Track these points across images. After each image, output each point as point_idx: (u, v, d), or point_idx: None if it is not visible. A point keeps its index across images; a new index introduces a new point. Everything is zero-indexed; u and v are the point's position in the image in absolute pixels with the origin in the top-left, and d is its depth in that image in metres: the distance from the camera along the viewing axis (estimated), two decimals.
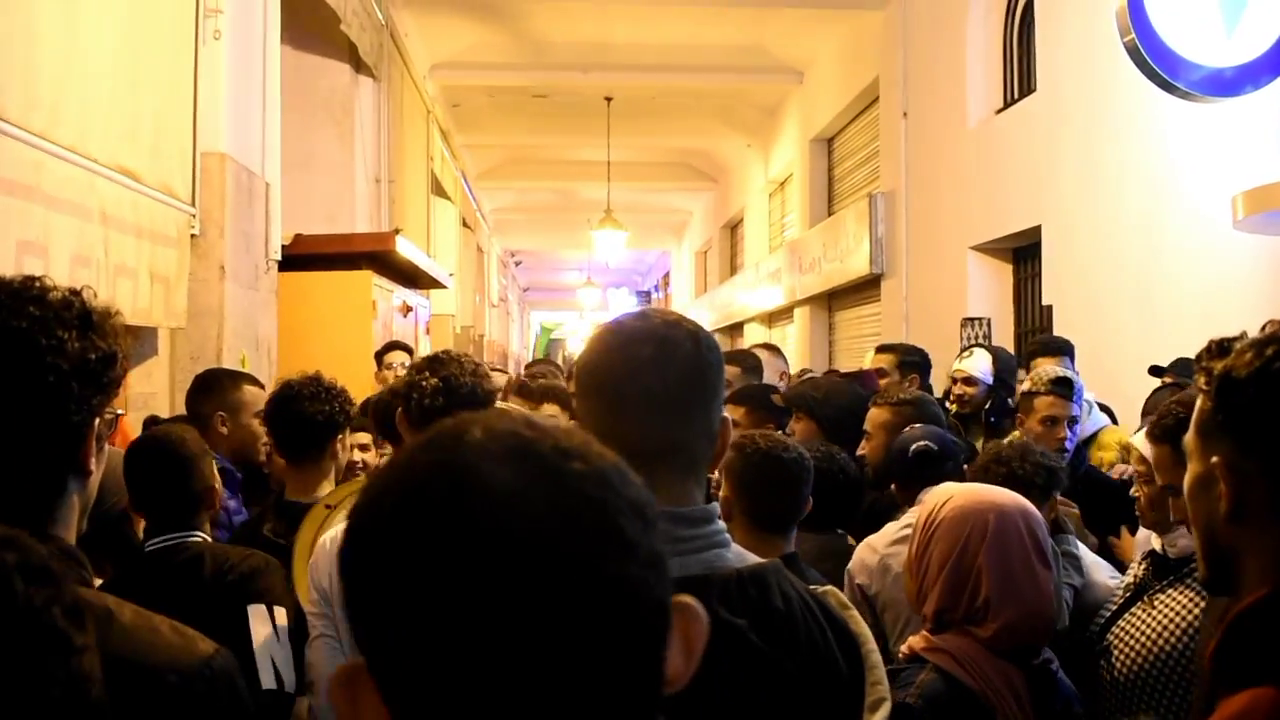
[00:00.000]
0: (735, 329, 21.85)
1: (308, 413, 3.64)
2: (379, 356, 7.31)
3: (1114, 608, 3.03)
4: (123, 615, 1.45)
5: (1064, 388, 4.72)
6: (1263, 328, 1.56)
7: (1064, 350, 6.06)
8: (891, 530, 3.49)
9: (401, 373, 5.55)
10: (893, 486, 3.80)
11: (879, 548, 3.45)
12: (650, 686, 0.86)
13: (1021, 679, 2.39)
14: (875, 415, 4.22)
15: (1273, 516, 1.50)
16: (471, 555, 0.78)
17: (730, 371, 5.98)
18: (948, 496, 2.59)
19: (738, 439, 3.10)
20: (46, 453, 1.54)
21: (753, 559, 1.67)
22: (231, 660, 1.53)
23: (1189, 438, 1.61)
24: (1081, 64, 8.26)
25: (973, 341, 9.20)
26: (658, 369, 1.63)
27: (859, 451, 4.22)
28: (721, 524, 1.68)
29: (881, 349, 6.64)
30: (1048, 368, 5.22)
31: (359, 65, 10.49)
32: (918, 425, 3.87)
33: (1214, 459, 1.53)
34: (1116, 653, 2.85)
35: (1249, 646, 1.47)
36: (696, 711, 1.45)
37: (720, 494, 3.07)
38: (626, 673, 0.83)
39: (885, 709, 1.66)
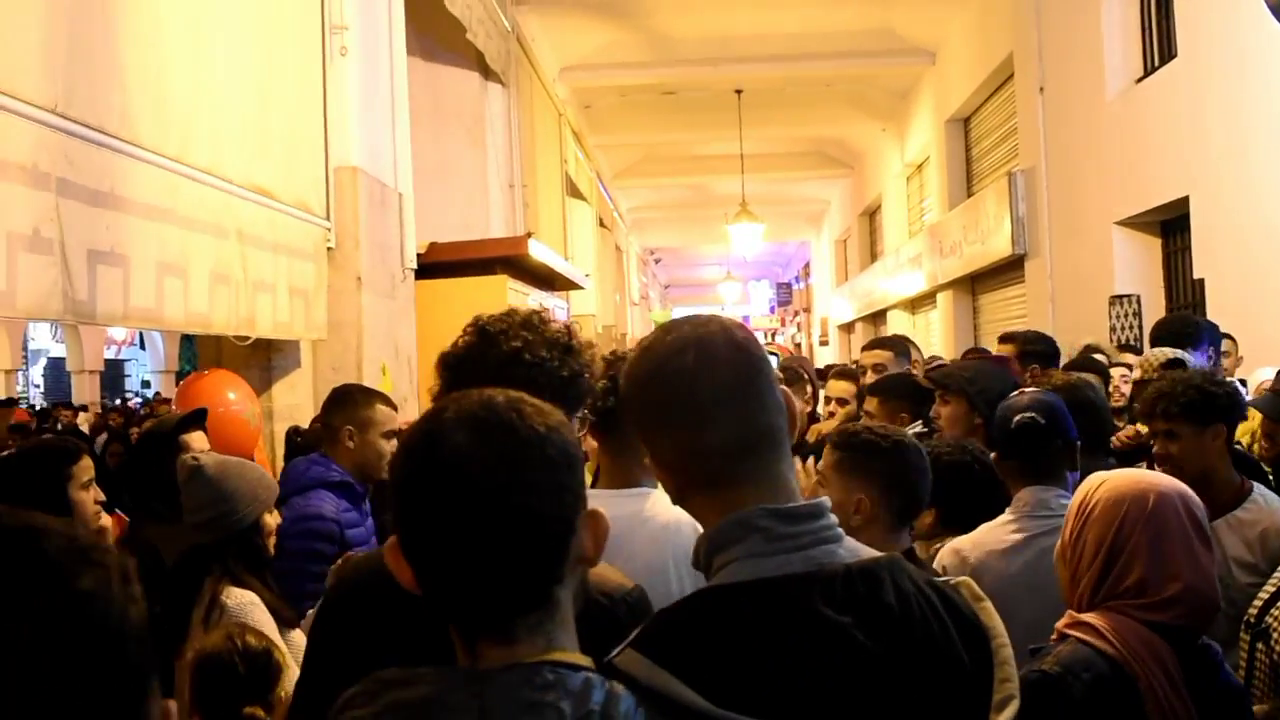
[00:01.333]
0: (878, 316, 21.59)
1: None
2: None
3: (1273, 589, 2.90)
4: None
5: (1178, 369, 4.52)
6: None
7: (1187, 336, 5.52)
8: (984, 532, 3.30)
9: None
10: (992, 456, 3.57)
11: (966, 551, 3.26)
12: (553, 563, 1.40)
13: (1174, 658, 2.28)
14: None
15: None
16: (429, 486, 1.38)
17: (883, 356, 5.92)
18: (1101, 480, 2.48)
19: (856, 435, 3.02)
20: None
21: (868, 553, 1.62)
22: None
23: None
24: (1224, 25, 7.94)
25: (1122, 319, 8.92)
26: (707, 371, 1.61)
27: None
28: (833, 518, 1.62)
29: (1003, 338, 6.38)
30: (1159, 350, 5.00)
31: (487, 73, 10.62)
32: (1029, 390, 3.67)
33: None
34: (1277, 634, 2.73)
35: None
36: (805, 711, 1.43)
37: (842, 497, 2.94)
38: (537, 553, 1.38)
39: (1013, 708, 1.57)
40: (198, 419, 4.54)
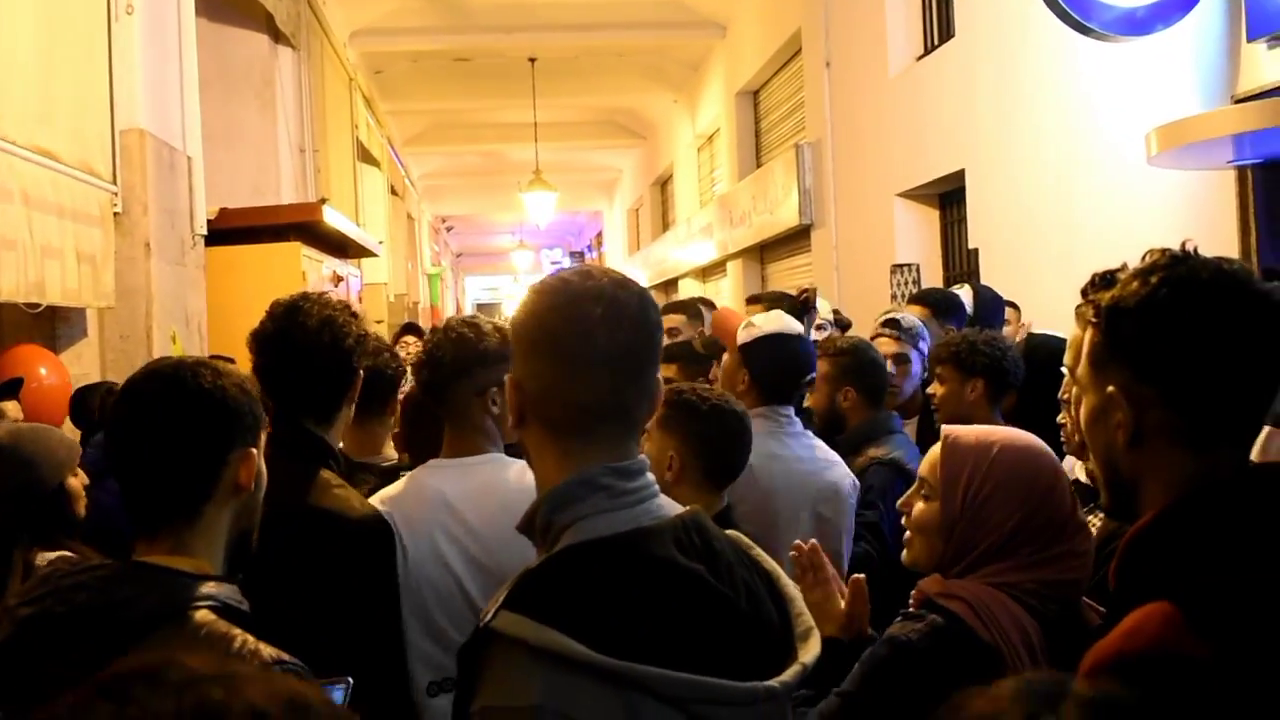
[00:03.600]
0: (669, 285, 21.89)
1: (374, 367, 3.42)
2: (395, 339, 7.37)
3: None
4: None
5: (893, 327, 4.83)
6: (1143, 257, 1.63)
7: (939, 304, 5.63)
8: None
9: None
10: None
11: None
12: (200, 482, 1.87)
13: (1036, 629, 2.24)
14: (818, 367, 4.21)
15: (1170, 440, 1.57)
16: (117, 414, 1.94)
17: (675, 319, 5.95)
18: (987, 447, 2.37)
19: (679, 394, 3.13)
20: None
21: (677, 508, 1.71)
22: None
23: (1082, 370, 1.67)
24: (998, 8, 8.35)
25: (902, 288, 9.31)
26: (608, 329, 1.62)
27: (805, 403, 4.23)
28: (652, 476, 1.70)
29: (750, 299, 6.42)
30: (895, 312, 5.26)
31: (277, 35, 10.37)
32: (772, 320, 3.88)
33: (1110, 389, 1.59)
34: None
35: (1144, 564, 1.54)
36: (679, 654, 1.49)
37: (658, 451, 3.05)
38: (185, 471, 1.86)
39: (816, 638, 1.70)
40: (11, 389, 4.48)
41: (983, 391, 4.03)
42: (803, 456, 3.62)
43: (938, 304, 5.58)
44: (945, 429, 2.48)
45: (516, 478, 2.76)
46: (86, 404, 5.09)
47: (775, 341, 3.71)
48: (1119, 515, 1.74)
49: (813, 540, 2.65)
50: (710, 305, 6.68)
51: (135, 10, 6.16)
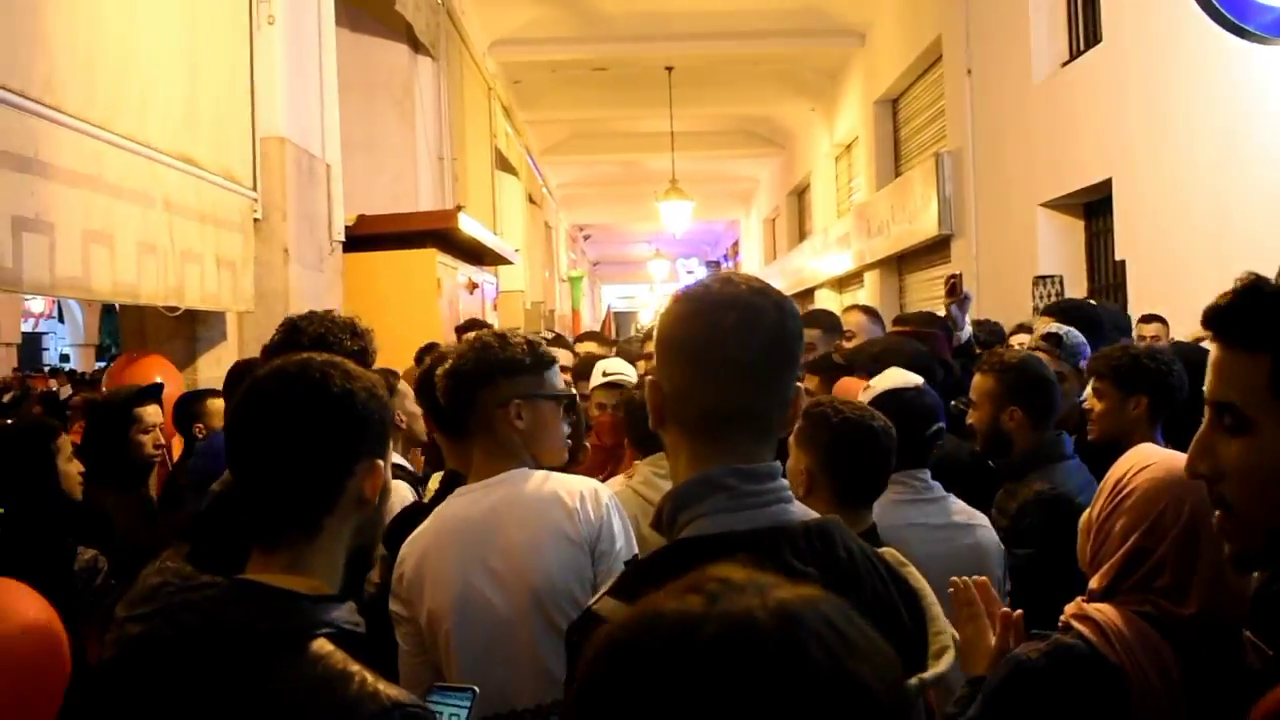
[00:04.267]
0: (805, 295, 21.70)
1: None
2: (459, 334, 7.21)
3: None
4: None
5: (1053, 343, 4.56)
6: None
7: (1083, 321, 5.18)
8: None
9: None
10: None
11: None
12: (323, 492, 1.76)
13: (1176, 661, 2.13)
14: (980, 383, 3.96)
15: None
16: (236, 416, 1.83)
17: (810, 334, 5.65)
18: (1144, 464, 2.30)
19: (816, 406, 3.05)
20: None
21: (814, 515, 1.72)
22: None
23: (1245, 400, 1.55)
24: (1148, 12, 8.07)
25: (1044, 300, 9.04)
26: (741, 337, 1.65)
27: (968, 421, 4.02)
28: (785, 481, 1.72)
29: (897, 320, 6.15)
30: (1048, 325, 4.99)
31: (416, 45, 10.52)
32: (889, 378, 3.61)
33: None
34: None
35: None
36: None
37: (794, 465, 2.98)
38: (308, 479, 1.75)
39: (950, 656, 1.64)
40: (153, 394, 4.68)
41: (1145, 409, 3.77)
42: (942, 524, 3.35)
43: (1064, 317, 5.31)
44: (1139, 445, 2.42)
45: (535, 488, 2.75)
46: (190, 410, 5.17)
47: (893, 400, 3.42)
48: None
49: (980, 577, 2.53)
50: (873, 313, 6.33)
51: (277, 20, 6.27)
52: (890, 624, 1.59)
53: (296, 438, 1.73)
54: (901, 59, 14.28)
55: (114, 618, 1.67)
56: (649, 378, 1.78)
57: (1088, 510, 2.41)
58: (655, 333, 1.79)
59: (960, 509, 3.43)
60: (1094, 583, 2.30)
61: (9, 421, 5.15)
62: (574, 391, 3.06)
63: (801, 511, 1.71)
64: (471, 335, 3.06)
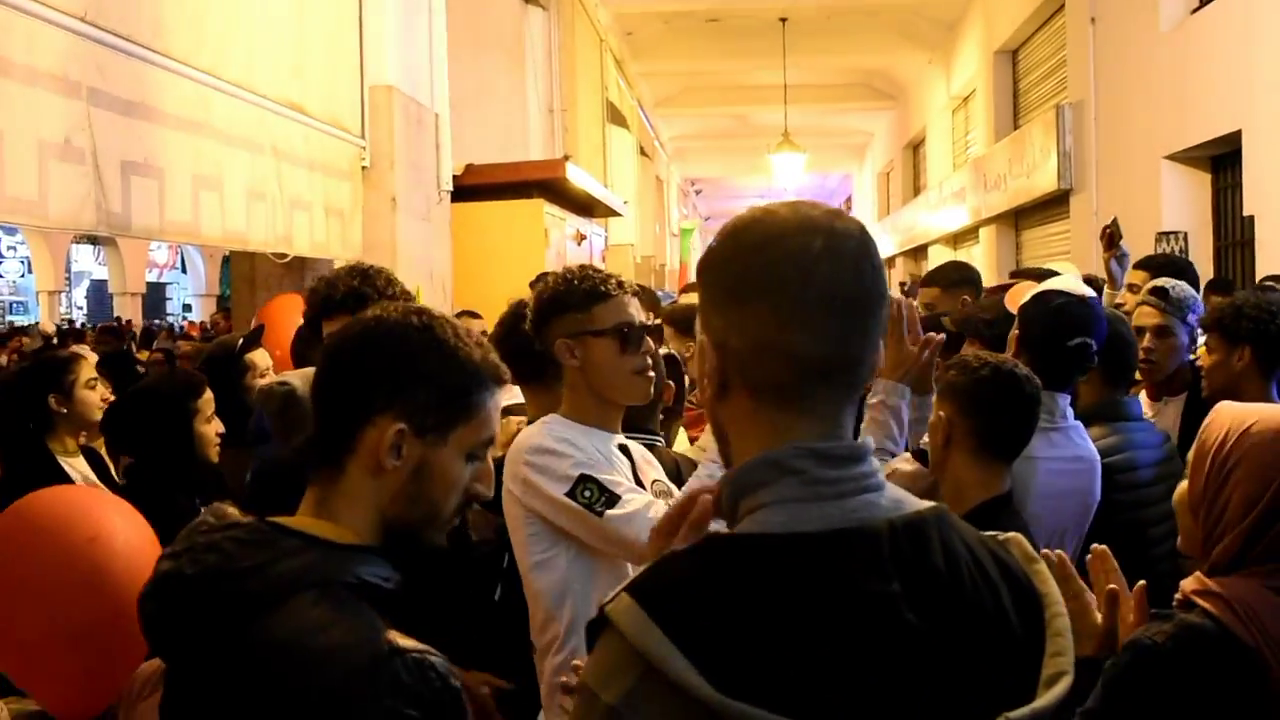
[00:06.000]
0: (919, 251, 21.39)
1: (524, 331, 3.47)
2: (532, 287, 7.05)
3: None
4: None
5: (1159, 296, 4.36)
6: None
7: (1154, 271, 5.08)
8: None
9: None
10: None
11: None
12: (343, 427, 1.71)
13: None
14: None
15: None
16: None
17: (930, 294, 5.38)
18: (1243, 423, 2.12)
19: (959, 359, 2.94)
20: None
21: (912, 504, 1.37)
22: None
23: None
24: None
25: (1166, 254, 8.75)
26: (831, 264, 1.32)
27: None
28: (876, 464, 1.38)
29: (1014, 274, 5.88)
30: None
31: None
32: (1059, 282, 3.46)
33: None
34: None
35: None
36: (829, 703, 1.21)
37: (934, 416, 2.86)
38: (337, 412, 1.73)
39: (1064, 684, 1.30)
40: (255, 340, 4.61)
41: (1250, 360, 3.65)
42: (1068, 456, 3.13)
43: (1157, 271, 5.11)
44: (1219, 404, 2.22)
45: None
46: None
47: (1036, 302, 3.30)
48: None
49: (1060, 552, 2.20)
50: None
51: None
52: (992, 641, 1.32)
53: (330, 367, 1.73)
54: (1023, 8, 13.89)
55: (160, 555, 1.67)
56: (701, 337, 1.41)
57: (1182, 486, 2.23)
58: (703, 277, 1.42)
59: (1083, 441, 3.24)
60: (1216, 557, 2.10)
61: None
62: (636, 322, 2.79)
63: (892, 502, 1.36)
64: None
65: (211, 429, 3.82)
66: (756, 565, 1.24)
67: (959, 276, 5.53)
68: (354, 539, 1.65)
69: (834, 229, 1.35)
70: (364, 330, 1.72)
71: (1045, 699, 1.30)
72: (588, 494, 2.61)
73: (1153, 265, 5.27)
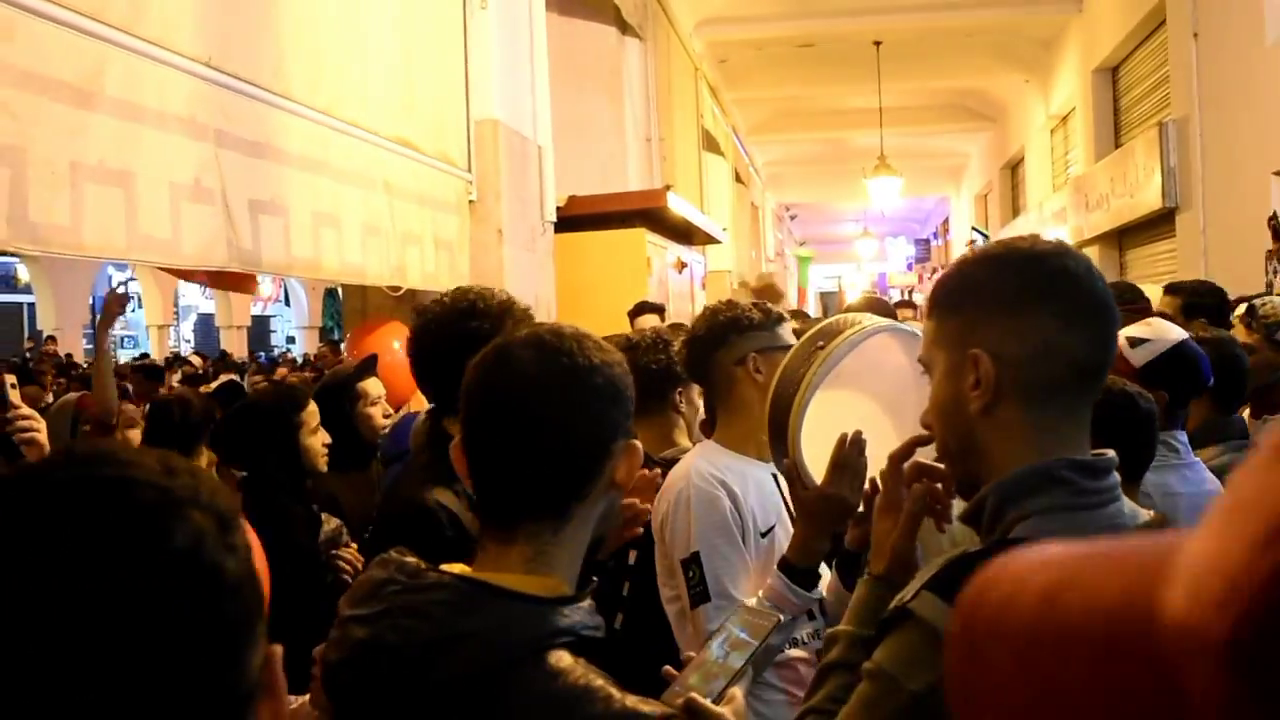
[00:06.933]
0: None
1: (642, 363, 3.46)
2: (631, 319, 7.00)
3: None
4: None
5: (1249, 314, 4.28)
6: None
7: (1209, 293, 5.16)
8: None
9: None
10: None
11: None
12: (576, 478, 1.59)
13: None
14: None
15: None
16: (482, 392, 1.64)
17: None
18: None
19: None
20: None
21: (1141, 514, 1.56)
22: None
23: None
24: None
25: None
26: (1095, 280, 1.50)
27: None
28: (1117, 476, 1.54)
29: (1169, 289, 5.91)
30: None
31: (624, 27, 10.61)
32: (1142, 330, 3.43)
33: None
34: None
35: None
36: None
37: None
38: (561, 464, 1.57)
39: None
40: (371, 366, 4.73)
41: None
42: (1204, 491, 3.13)
43: (1188, 296, 5.06)
44: None
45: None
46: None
47: (1165, 352, 3.29)
48: None
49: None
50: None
51: (489, 5, 6.41)
52: None
53: (551, 412, 1.56)
54: (1122, 24, 13.72)
55: (338, 612, 1.55)
56: (973, 350, 1.50)
57: None
58: (965, 291, 1.55)
59: (1212, 479, 3.23)
60: None
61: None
62: None
63: (1131, 510, 1.55)
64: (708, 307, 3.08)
65: (317, 440, 3.98)
66: None
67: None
68: (567, 589, 1.57)
69: (1074, 254, 1.53)
70: (576, 358, 1.59)
71: None
72: (691, 575, 2.64)
73: (1183, 291, 5.24)
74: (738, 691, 1.74)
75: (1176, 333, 3.42)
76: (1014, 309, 1.49)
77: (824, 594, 2.54)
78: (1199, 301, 5.38)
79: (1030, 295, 1.49)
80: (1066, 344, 1.47)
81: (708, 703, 1.65)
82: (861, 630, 1.67)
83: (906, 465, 1.81)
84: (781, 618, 2.07)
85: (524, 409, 1.57)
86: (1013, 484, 1.47)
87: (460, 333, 2.57)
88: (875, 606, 1.66)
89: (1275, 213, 5.33)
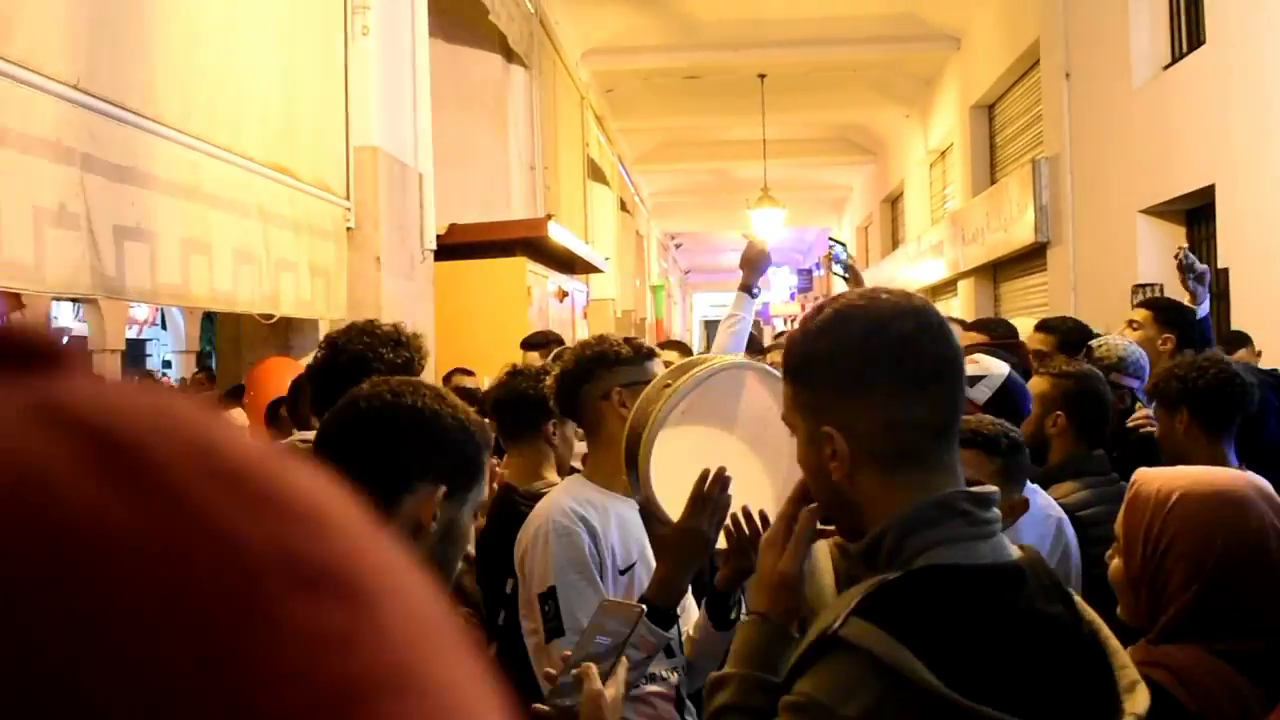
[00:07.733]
0: None
1: (520, 389, 3.55)
2: (524, 348, 6.81)
3: None
4: None
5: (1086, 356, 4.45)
6: None
7: (1177, 317, 5.19)
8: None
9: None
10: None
11: None
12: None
13: (1259, 696, 2.01)
14: (1035, 384, 3.92)
15: None
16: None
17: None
18: (1168, 495, 2.12)
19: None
20: None
21: (1013, 548, 1.59)
22: None
23: None
24: (1253, 12, 7.86)
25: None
26: (932, 340, 1.53)
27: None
28: (997, 509, 1.60)
29: (1040, 326, 6.02)
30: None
31: (510, 55, 10.60)
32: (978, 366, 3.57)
33: None
34: None
35: None
36: (1032, 703, 1.39)
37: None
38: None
39: (1143, 689, 1.51)
40: (236, 396, 4.69)
41: (1189, 422, 3.61)
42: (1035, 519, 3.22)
43: (1162, 312, 5.21)
44: (1136, 473, 2.25)
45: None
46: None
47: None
48: None
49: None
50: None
51: (371, 32, 6.35)
52: (1095, 653, 1.55)
53: (360, 437, 1.74)
54: (998, 63, 14.09)
55: None
56: (826, 428, 1.53)
57: (1116, 562, 2.22)
58: (813, 367, 1.59)
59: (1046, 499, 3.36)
60: (1162, 627, 2.12)
61: None
62: None
63: (1008, 543, 1.59)
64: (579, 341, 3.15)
65: None
66: (961, 592, 1.44)
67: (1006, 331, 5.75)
68: None
69: (917, 309, 1.56)
70: (388, 401, 1.75)
71: (1138, 704, 1.50)
72: (547, 609, 2.62)
73: (1157, 306, 5.40)
74: (621, 672, 1.87)
75: (1002, 366, 3.53)
76: (856, 390, 1.53)
77: (689, 631, 2.54)
78: (1067, 339, 5.50)
79: (871, 373, 1.52)
80: (913, 415, 1.52)
81: (595, 672, 1.80)
82: (755, 672, 1.66)
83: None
84: (644, 608, 2.12)
85: (339, 437, 1.81)
86: (914, 517, 1.50)
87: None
88: (766, 647, 1.66)
89: (1181, 248, 5.48)
